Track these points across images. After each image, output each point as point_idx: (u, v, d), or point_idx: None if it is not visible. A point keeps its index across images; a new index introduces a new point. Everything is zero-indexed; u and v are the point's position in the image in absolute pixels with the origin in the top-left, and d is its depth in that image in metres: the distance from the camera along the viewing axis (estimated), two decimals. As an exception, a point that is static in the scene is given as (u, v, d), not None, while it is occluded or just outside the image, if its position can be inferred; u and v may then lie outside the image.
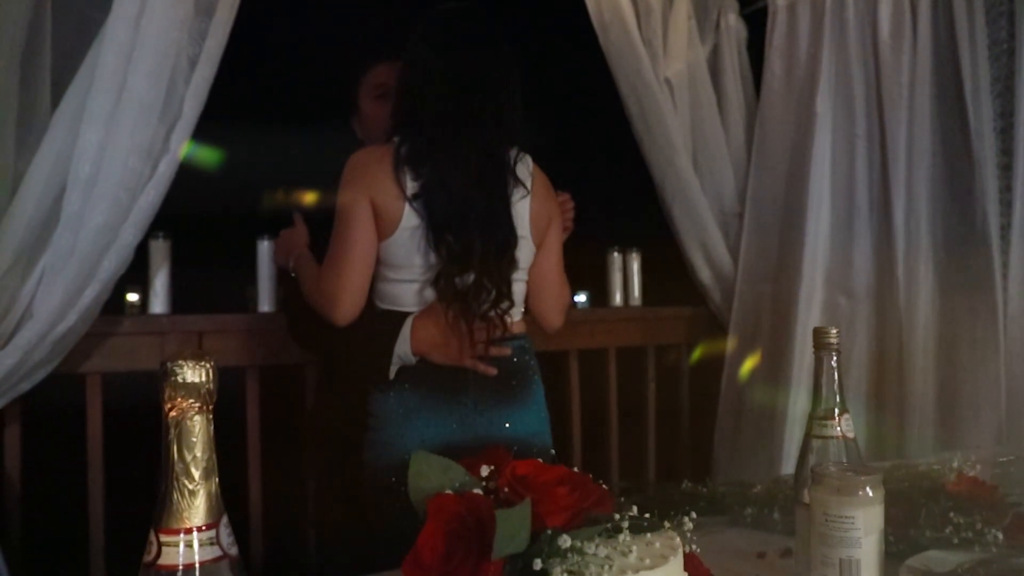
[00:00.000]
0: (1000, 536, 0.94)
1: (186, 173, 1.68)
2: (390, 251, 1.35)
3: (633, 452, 2.64)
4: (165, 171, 1.61)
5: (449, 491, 0.56)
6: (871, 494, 0.67)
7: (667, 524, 0.59)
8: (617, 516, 0.57)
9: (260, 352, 1.92)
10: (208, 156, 1.95)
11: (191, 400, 0.48)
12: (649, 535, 0.57)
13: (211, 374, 0.48)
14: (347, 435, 1.44)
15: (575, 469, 1.81)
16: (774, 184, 2.53)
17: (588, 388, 2.53)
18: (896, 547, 0.96)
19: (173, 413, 0.48)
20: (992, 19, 2.04)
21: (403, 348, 1.34)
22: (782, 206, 2.46)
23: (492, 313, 1.36)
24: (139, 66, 1.55)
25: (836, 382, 0.83)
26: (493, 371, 1.38)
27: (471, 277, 1.33)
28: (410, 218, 1.33)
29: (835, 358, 0.84)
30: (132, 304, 2.16)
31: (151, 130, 1.58)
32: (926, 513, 0.97)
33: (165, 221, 1.73)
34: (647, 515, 0.60)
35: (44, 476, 1.96)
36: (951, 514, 0.96)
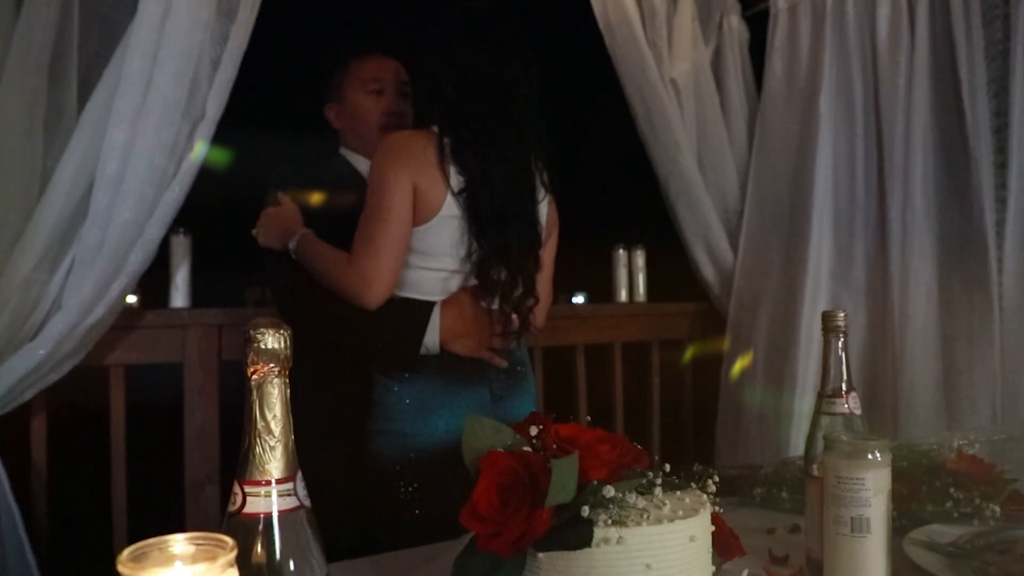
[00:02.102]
0: (997, 510, 0.99)
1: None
2: (423, 237, 1.36)
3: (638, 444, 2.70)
4: (188, 168, 1.67)
5: (500, 449, 0.62)
6: (879, 457, 0.73)
7: (694, 485, 0.65)
8: (651, 475, 0.62)
9: (277, 345, 1.96)
10: (216, 154, 1.99)
11: (271, 365, 0.52)
12: (679, 492, 0.63)
13: (288, 341, 0.53)
14: (346, 423, 1.47)
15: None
16: (775, 182, 2.59)
17: (594, 382, 2.58)
18: (900, 521, 1.02)
19: (255, 377, 0.52)
20: (988, 20, 2.10)
21: (432, 338, 1.36)
22: (786, 204, 2.51)
23: (521, 307, 1.42)
24: (164, 67, 1.60)
25: (843, 362, 0.88)
26: (505, 363, 1.45)
27: (503, 272, 1.38)
28: (451, 207, 1.35)
29: (842, 340, 0.89)
30: (130, 306, 2.19)
31: (175, 129, 1.63)
32: (927, 489, 1.03)
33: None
34: (675, 478, 0.66)
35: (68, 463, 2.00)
36: (951, 490, 1.01)
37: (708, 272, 2.71)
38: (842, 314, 0.89)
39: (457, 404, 1.38)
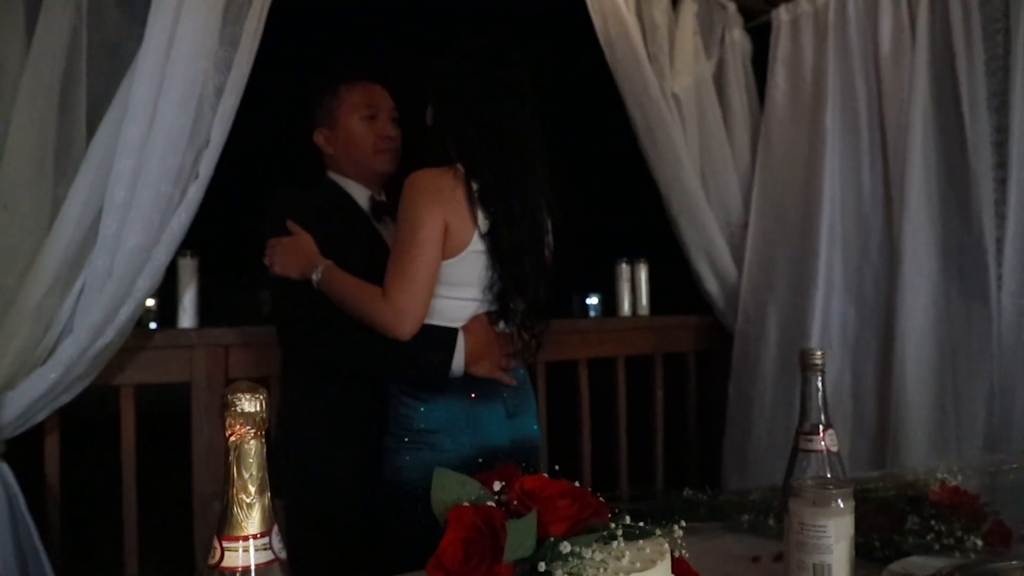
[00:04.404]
0: (979, 542, 1.00)
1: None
2: (451, 270, 1.44)
3: (642, 459, 2.71)
4: (194, 195, 1.71)
5: (466, 503, 0.65)
6: (842, 505, 0.74)
7: (658, 532, 0.67)
8: (613, 525, 0.65)
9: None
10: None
11: (248, 427, 0.55)
12: (641, 541, 0.65)
13: (264, 404, 0.56)
14: (366, 441, 1.53)
15: (587, 472, 1.93)
16: (779, 195, 2.59)
17: (598, 396, 2.59)
18: (882, 552, 1.04)
19: (233, 438, 0.55)
20: (989, 35, 2.09)
21: (457, 362, 1.45)
22: (792, 218, 2.52)
23: (535, 331, 1.52)
24: (169, 96, 1.64)
25: (821, 400, 0.90)
26: (515, 381, 1.53)
27: (520, 301, 1.48)
28: (476, 243, 1.44)
29: (820, 378, 0.91)
30: (150, 309, 2.23)
31: (180, 156, 1.66)
32: (910, 521, 1.04)
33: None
34: (642, 523, 0.68)
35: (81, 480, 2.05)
36: (932, 521, 1.02)
37: (711, 286, 2.72)
38: (819, 352, 0.91)
39: (478, 421, 1.47)
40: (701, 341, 2.85)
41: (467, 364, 1.45)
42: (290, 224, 1.59)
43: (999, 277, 2.03)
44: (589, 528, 0.64)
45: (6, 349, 1.56)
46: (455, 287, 1.46)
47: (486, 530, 0.60)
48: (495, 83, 1.47)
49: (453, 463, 1.38)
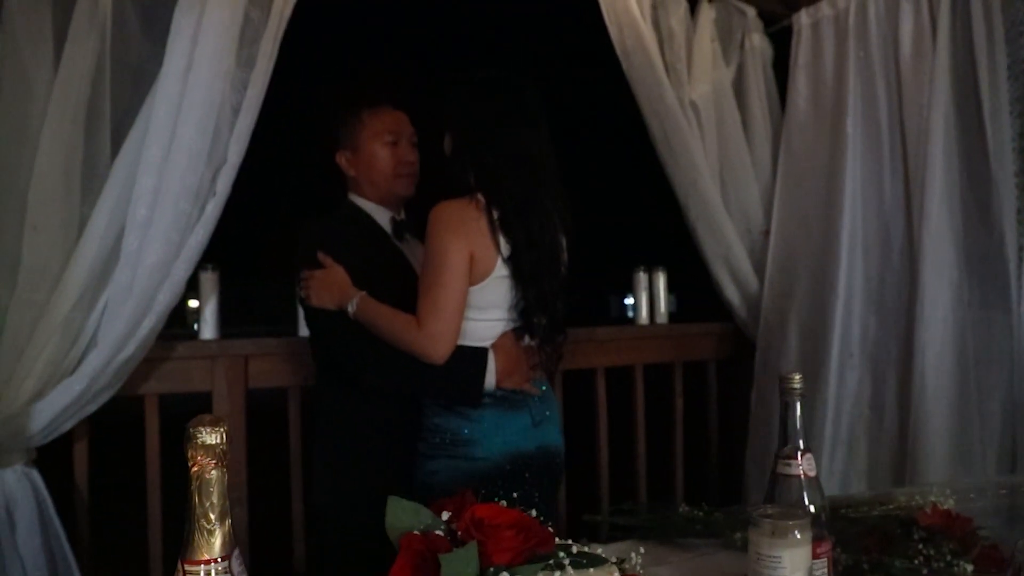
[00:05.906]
0: (969, 568, 0.99)
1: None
2: (478, 295, 1.53)
3: (661, 469, 2.69)
4: (212, 212, 1.77)
5: (417, 531, 0.67)
6: (799, 536, 0.75)
7: (613, 559, 0.68)
8: (561, 554, 0.66)
9: (301, 374, 2.06)
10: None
11: (209, 458, 0.59)
12: (592, 570, 0.66)
13: (225, 436, 0.59)
14: (395, 451, 1.62)
15: (604, 481, 1.95)
16: (801, 201, 2.56)
17: (616, 405, 2.59)
18: (870, 575, 1.03)
19: (195, 468, 0.59)
20: (1011, 39, 2.03)
21: (490, 379, 1.54)
22: (813, 224, 2.48)
23: (555, 343, 1.61)
24: (188, 117, 1.70)
25: (799, 424, 0.91)
26: (540, 391, 1.62)
27: (544, 318, 1.57)
28: (500, 269, 1.53)
29: (799, 403, 0.91)
30: (193, 310, 2.31)
31: (199, 175, 1.73)
32: (898, 543, 1.03)
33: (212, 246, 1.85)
34: (599, 549, 0.69)
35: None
36: (921, 545, 1.01)
37: (731, 293, 2.70)
38: (798, 376, 0.91)
39: (507, 430, 1.55)
40: (722, 349, 2.83)
41: (498, 380, 1.55)
42: (321, 257, 1.66)
43: (1020, 286, 1.98)
44: (537, 558, 0.65)
45: (36, 361, 1.65)
46: (483, 310, 1.55)
47: (430, 558, 0.62)
48: (510, 111, 1.55)
49: (484, 469, 1.51)
